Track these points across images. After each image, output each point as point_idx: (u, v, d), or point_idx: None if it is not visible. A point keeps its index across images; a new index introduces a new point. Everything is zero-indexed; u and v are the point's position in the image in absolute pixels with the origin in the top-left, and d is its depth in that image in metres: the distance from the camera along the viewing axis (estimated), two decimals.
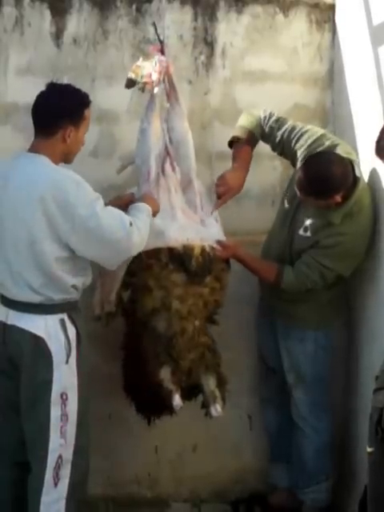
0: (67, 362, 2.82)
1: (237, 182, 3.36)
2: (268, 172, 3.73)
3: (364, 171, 3.38)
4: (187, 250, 3.09)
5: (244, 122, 3.41)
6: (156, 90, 3.23)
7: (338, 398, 3.73)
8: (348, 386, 3.73)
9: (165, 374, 3.13)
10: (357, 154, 3.42)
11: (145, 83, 3.21)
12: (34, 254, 2.76)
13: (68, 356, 2.82)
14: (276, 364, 3.61)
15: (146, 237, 2.90)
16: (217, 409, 3.23)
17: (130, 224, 2.79)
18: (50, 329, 2.81)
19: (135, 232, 2.81)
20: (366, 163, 3.38)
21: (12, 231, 2.79)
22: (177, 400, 3.13)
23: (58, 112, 2.86)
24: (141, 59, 3.28)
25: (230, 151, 3.47)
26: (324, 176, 3.09)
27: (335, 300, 3.51)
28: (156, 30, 3.34)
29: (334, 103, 3.78)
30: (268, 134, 3.38)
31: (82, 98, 2.93)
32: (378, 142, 2.64)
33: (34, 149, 2.88)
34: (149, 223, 2.93)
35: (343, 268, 3.31)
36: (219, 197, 3.34)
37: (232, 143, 3.44)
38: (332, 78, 3.78)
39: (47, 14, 3.59)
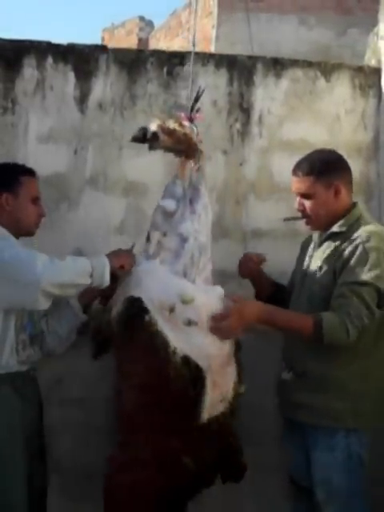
0: None
1: None
2: None
3: None
4: None
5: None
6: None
7: None
8: None
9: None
10: None
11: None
12: None
13: None
14: (309, 482, 2.97)
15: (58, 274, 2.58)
16: None
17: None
18: None
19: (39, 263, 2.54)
20: None
21: None
22: None
23: None
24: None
25: (267, 228, 3.26)
26: (318, 153, 2.89)
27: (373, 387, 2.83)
28: (198, 97, 2.87)
29: (379, 175, 3.55)
30: None
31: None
32: None
33: None
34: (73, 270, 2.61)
35: (376, 278, 2.71)
36: None
37: None
38: (377, 148, 3.55)
39: (71, 76, 3.36)
